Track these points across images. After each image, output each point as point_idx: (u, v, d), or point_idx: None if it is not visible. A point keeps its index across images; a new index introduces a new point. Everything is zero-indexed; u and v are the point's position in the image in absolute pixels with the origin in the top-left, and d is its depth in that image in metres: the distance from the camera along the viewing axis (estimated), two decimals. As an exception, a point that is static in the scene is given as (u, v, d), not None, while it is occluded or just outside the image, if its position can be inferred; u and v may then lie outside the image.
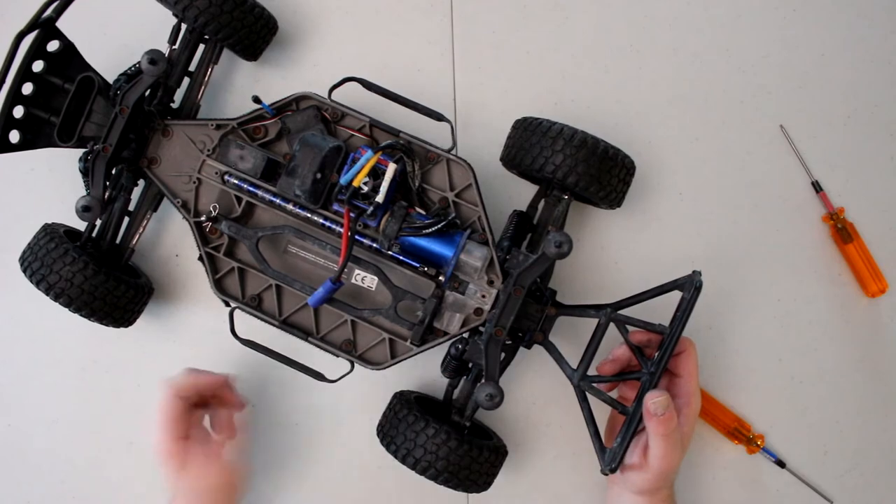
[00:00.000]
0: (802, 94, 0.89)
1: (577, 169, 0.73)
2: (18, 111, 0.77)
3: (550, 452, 0.86)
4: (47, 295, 0.75)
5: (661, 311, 0.74)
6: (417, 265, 0.76)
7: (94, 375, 0.87)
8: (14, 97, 0.75)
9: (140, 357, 0.87)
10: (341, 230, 0.74)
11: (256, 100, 0.76)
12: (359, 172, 0.72)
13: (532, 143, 0.75)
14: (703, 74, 0.89)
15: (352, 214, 0.73)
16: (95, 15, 0.86)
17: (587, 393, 0.74)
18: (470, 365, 0.77)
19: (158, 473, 0.75)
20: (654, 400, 0.69)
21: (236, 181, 0.77)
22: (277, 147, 0.79)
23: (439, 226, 0.73)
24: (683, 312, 0.72)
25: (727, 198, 0.88)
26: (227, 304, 0.79)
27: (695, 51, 0.89)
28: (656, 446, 0.70)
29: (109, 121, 0.75)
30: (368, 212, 0.73)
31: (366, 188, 0.72)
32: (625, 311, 0.75)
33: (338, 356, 0.78)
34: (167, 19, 0.79)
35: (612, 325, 0.75)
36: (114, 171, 0.78)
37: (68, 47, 0.78)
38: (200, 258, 0.78)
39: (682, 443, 0.72)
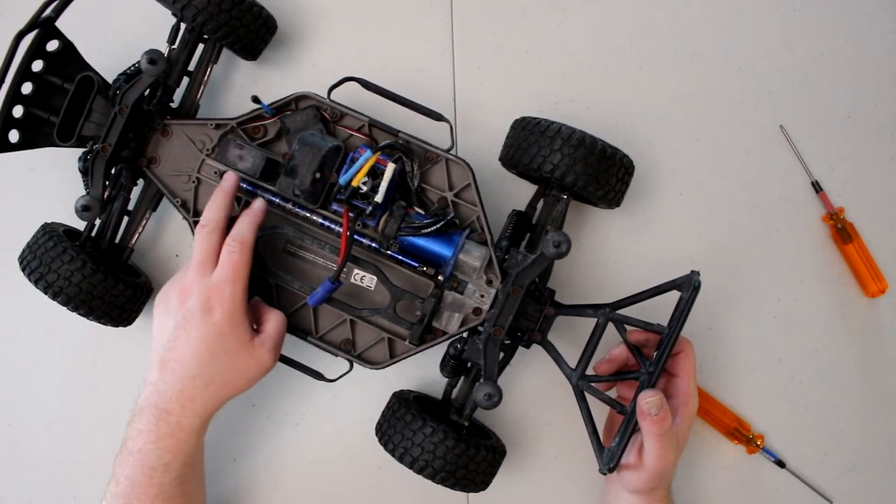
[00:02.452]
0: (802, 94, 0.89)
1: (575, 168, 0.73)
2: (18, 111, 0.77)
3: (549, 452, 0.86)
4: (45, 293, 0.75)
5: (660, 310, 0.74)
6: (416, 265, 0.76)
7: (94, 375, 0.87)
8: (14, 97, 0.75)
9: (140, 357, 0.87)
10: (340, 230, 0.74)
11: (256, 99, 0.76)
12: (358, 172, 0.72)
13: (530, 143, 0.75)
14: (703, 74, 0.89)
15: (351, 214, 0.73)
16: (95, 15, 0.86)
17: (586, 392, 0.74)
18: (469, 364, 0.77)
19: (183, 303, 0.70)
20: (648, 400, 0.69)
21: (235, 181, 0.77)
22: (276, 147, 0.79)
23: (438, 225, 0.73)
24: (682, 312, 0.71)
25: (727, 198, 0.88)
26: (227, 304, 0.79)
27: (695, 51, 0.89)
28: (651, 446, 0.70)
29: (109, 120, 0.75)
30: (367, 211, 0.73)
31: (365, 188, 0.72)
32: (623, 311, 0.75)
33: (337, 356, 0.78)
34: (166, 19, 0.79)
35: (610, 325, 0.75)
36: (113, 171, 0.78)
37: (68, 47, 0.78)
38: (200, 257, 0.78)
39: (677, 443, 0.72)
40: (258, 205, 0.75)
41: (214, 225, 0.72)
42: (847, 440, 0.87)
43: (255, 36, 0.80)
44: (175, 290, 0.72)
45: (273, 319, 0.74)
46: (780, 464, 0.86)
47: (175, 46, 0.80)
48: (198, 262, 0.72)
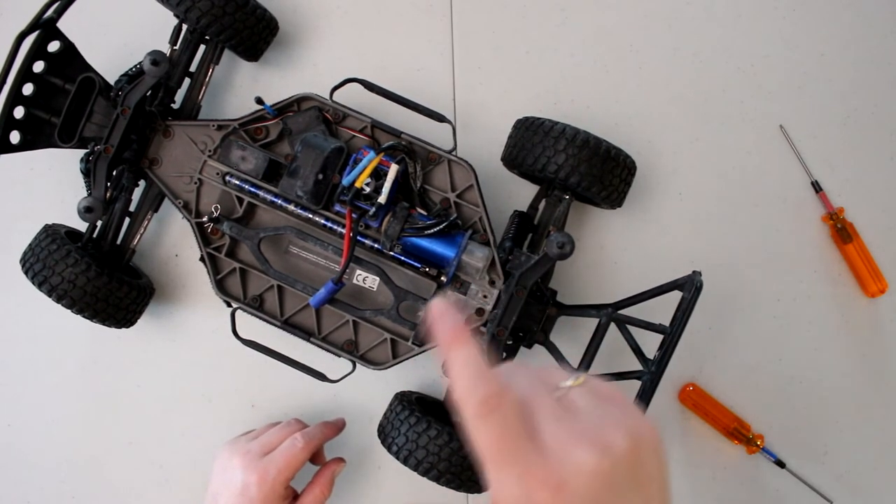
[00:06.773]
0: (802, 94, 0.90)
1: (579, 169, 0.73)
2: (19, 112, 0.76)
3: (551, 452, 0.86)
4: (50, 297, 0.74)
5: (661, 310, 0.74)
6: (419, 266, 0.76)
7: (94, 375, 0.87)
8: (15, 98, 0.75)
9: (140, 357, 0.87)
10: (343, 231, 0.74)
11: (259, 101, 0.76)
12: (361, 173, 0.72)
13: (534, 143, 0.75)
14: (703, 74, 0.89)
15: (354, 215, 0.73)
16: (96, 15, 0.86)
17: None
18: (471, 365, 0.76)
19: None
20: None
21: (238, 182, 0.77)
22: (279, 148, 0.79)
23: (441, 226, 0.73)
24: (684, 312, 0.72)
25: (727, 198, 0.88)
26: (229, 305, 0.79)
27: (695, 51, 0.89)
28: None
29: (111, 121, 0.74)
30: (370, 213, 0.73)
31: (368, 189, 0.72)
32: (625, 311, 0.75)
33: (339, 356, 0.78)
34: (168, 20, 0.79)
35: (612, 325, 0.75)
36: (115, 172, 0.78)
37: (69, 48, 0.78)
38: (202, 259, 0.78)
39: None
40: (340, 423, 0.83)
41: (302, 431, 0.78)
42: (847, 440, 0.88)
43: (257, 37, 0.80)
44: (239, 454, 0.76)
45: (313, 493, 0.79)
46: (780, 464, 0.87)
47: (177, 47, 0.80)
48: (265, 442, 0.77)
